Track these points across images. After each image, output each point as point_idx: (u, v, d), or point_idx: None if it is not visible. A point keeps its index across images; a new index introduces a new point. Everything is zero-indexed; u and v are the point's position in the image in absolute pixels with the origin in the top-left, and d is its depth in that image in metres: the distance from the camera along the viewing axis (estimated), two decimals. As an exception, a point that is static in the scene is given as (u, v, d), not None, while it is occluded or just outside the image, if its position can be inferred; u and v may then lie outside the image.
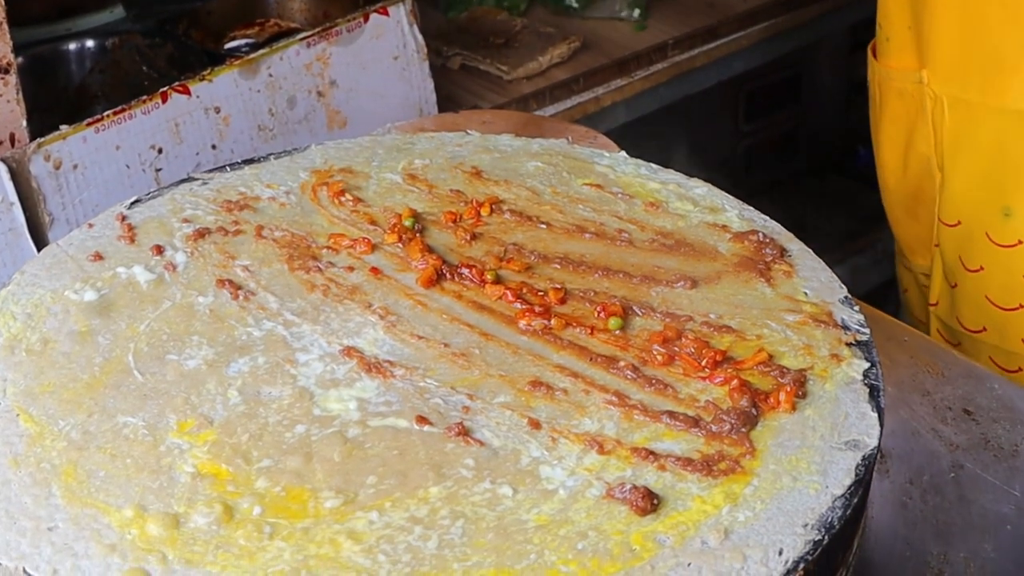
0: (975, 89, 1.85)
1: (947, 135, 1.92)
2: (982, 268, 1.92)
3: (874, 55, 2.07)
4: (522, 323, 1.33)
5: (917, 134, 1.98)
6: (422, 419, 1.20)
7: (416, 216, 1.50)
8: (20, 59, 1.79)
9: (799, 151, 3.33)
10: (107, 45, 2.21)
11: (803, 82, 3.28)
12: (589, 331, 1.32)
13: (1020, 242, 1.86)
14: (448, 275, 1.40)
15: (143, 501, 1.11)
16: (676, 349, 1.28)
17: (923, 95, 1.94)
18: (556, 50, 2.48)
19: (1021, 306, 1.90)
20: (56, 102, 2.13)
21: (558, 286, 1.38)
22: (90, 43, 2.22)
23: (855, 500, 1.12)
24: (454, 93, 2.39)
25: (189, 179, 1.58)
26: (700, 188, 1.57)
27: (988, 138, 1.86)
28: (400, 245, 1.44)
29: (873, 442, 1.18)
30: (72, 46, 2.21)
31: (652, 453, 1.16)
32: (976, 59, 1.84)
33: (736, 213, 1.52)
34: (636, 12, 2.65)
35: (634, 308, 1.34)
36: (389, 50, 2.11)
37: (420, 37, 2.14)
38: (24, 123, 1.74)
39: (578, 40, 2.54)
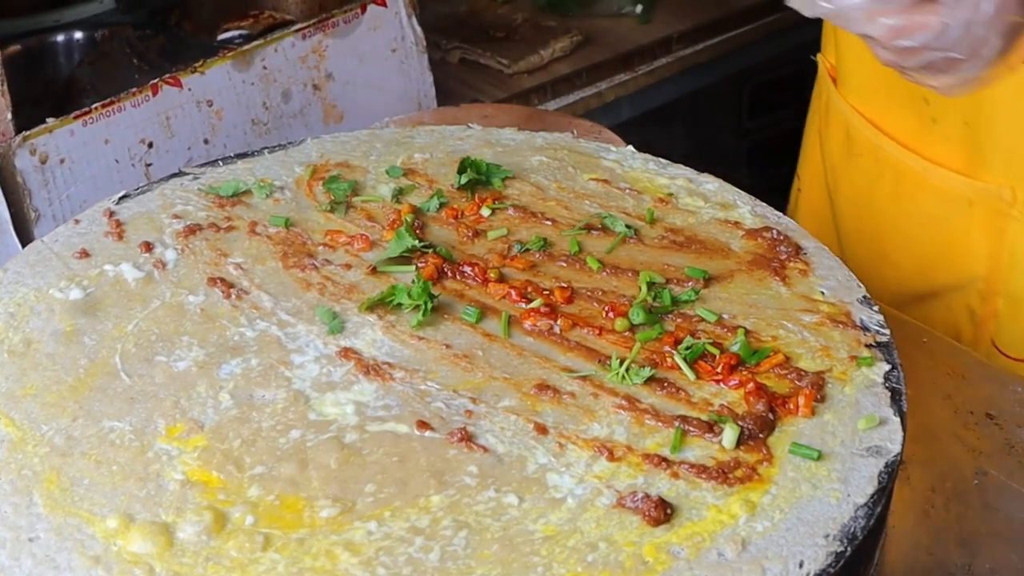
0: None
1: None
2: None
3: (836, 87, 1.76)
4: (527, 324, 1.27)
5: (967, 250, 1.66)
6: (423, 424, 1.14)
7: (416, 212, 1.45)
8: (6, 50, 1.74)
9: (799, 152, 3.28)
10: (97, 37, 2.17)
11: (809, 78, 3.24)
12: (597, 332, 1.26)
13: None
14: (450, 273, 1.35)
15: (129, 510, 1.06)
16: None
17: (996, 214, 1.60)
18: (558, 43, 2.44)
19: None
20: (44, 95, 2.08)
21: (564, 285, 1.33)
22: (79, 35, 2.17)
23: (878, 509, 1.08)
24: (453, 87, 2.34)
25: (179, 174, 1.53)
26: (711, 183, 1.52)
27: None
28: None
29: (896, 448, 1.13)
30: (60, 38, 2.16)
31: (665, 460, 1.11)
32: None
33: (748, 209, 1.47)
34: (638, 7, 2.61)
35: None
36: (387, 42, 2.06)
37: (419, 29, 2.09)
38: (9, 116, 1.69)
39: (580, 34, 2.49)
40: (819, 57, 1.88)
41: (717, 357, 1.22)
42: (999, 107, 1.55)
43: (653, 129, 2.65)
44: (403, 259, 1.37)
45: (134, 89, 1.79)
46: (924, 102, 1.63)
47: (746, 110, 3.10)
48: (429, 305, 1.28)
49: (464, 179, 1.48)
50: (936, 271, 1.72)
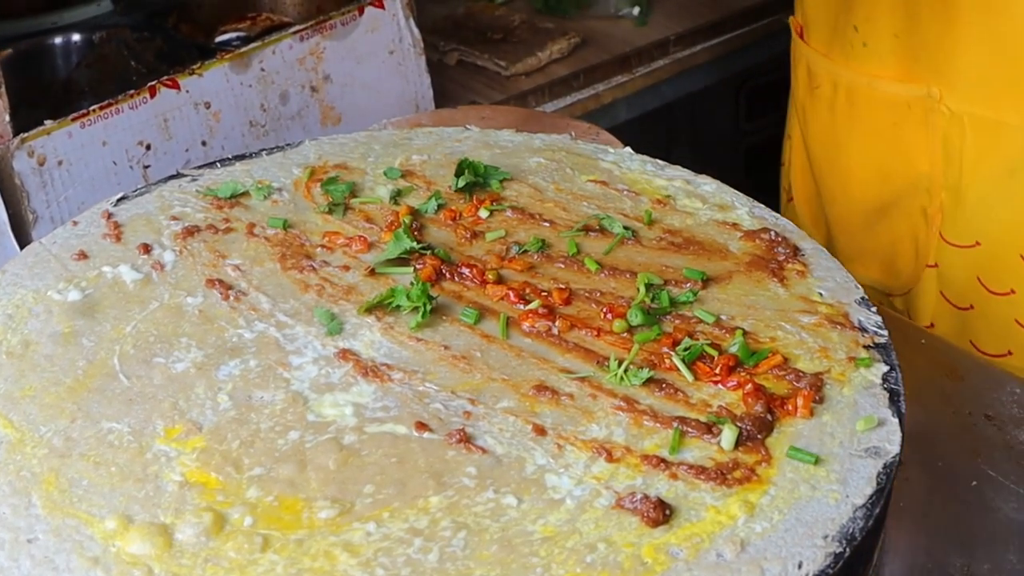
0: (1006, 108, 1.74)
1: (967, 155, 1.80)
2: (1013, 291, 1.82)
3: (802, 40, 1.97)
4: (525, 325, 1.27)
5: (912, 151, 1.87)
6: (421, 425, 1.14)
7: (414, 214, 1.45)
8: (4, 53, 1.74)
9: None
10: (94, 39, 2.16)
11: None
12: (595, 333, 1.26)
13: None
14: (448, 275, 1.35)
15: (128, 511, 1.06)
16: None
17: (929, 111, 1.80)
18: (555, 45, 2.44)
19: None
20: (42, 97, 2.07)
21: (562, 286, 1.33)
22: (76, 37, 2.17)
23: (877, 510, 1.07)
24: (451, 89, 2.34)
25: (178, 175, 1.53)
26: (709, 185, 1.52)
27: (1021, 158, 1.75)
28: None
29: (895, 449, 1.13)
30: (58, 40, 2.16)
31: (663, 461, 1.10)
32: (1007, 77, 1.73)
33: (746, 211, 1.47)
34: (636, 9, 2.60)
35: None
36: (384, 44, 2.06)
37: (416, 31, 2.09)
38: (7, 118, 1.69)
39: (578, 36, 2.49)
40: (791, 19, 2.08)
41: (715, 358, 1.21)
42: (922, 15, 1.78)
43: (650, 131, 2.65)
44: (401, 261, 1.37)
45: (132, 91, 1.79)
46: (854, 30, 1.89)
47: (743, 112, 3.10)
48: (428, 307, 1.27)
49: (462, 182, 1.48)
50: (892, 177, 1.90)
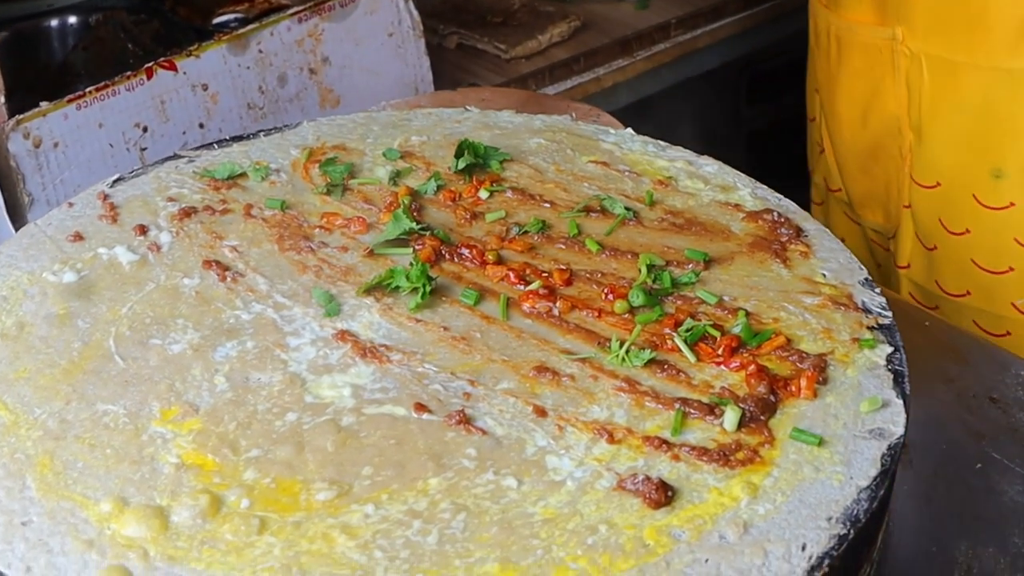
0: (958, 48, 1.81)
1: (926, 95, 1.88)
2: (968, 231, 1.89)
3: (823, 2, 2.05)
4: (526, 306, 1.26)
5: (884, 92, 1.95)
6: (421, 406, 1.13)
7: (413, 195, 1.43)
8: (0, 35, 1.73)
9: (802, 137, 3.26)
10: (91, 21, 2.14)
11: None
12: (596, 314, 1.25)
13: (1012, 204, 1.83)
14: (447, 255, 1.33)
15: (123, 494, 1.04)
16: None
17: (895, 53, 1.90)
18: (556, 29, 2.42)
19: (1011, 269, 1.87)
20: (38, 80, 2.06)
21: (563, 267, 1.31)
22: (73, 19, 2.15)
23: (881, 492, 1.06)
24: (450, 72, 2.33)
25: (174, 157, 1.51)
26: (711, 166, 1.51)
27: (974, 98, 1.82)
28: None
29: (899, 431, 1.12)
30: (54, 22, 2.14)
31: (665, 442, 1.09)
32: (960, 18, 1.79)
33: (749, 191, 1.46)
34: (637, -7, 2.60)
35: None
36: (384, 26, 2.04)
37: (416, 13, 2.07)
38: (2, 100, 1.67)
39: (578, 19, 2.47)
40: None
41: (718, 339, 1.20)
42: None
43: (651, 115, 2.63)
44: (400, 241, 1.35)
45: (128, 73, 1.78)
46: None
47: (744, 97, 3.08)
48: (427, 288, 1.26)
49: (462, 163, 1.47)
50: (871, 118, 2.00)
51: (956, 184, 1.89)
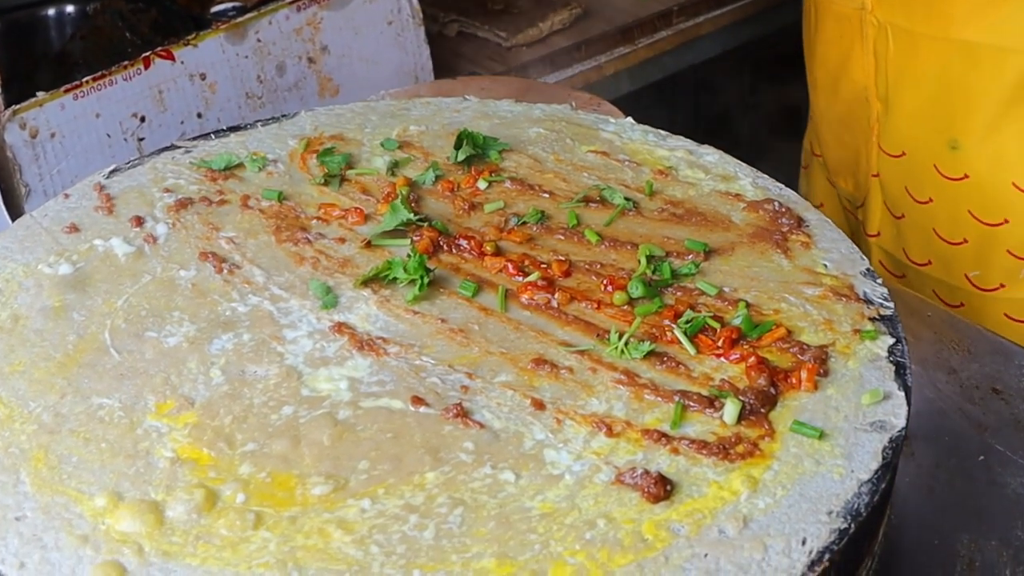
0: (919, 19, 1.81)
1: (891, 65, 1.88)
2: (931, 200, 1.90)
3: None
4: (524, 297, 1.25)
5: (853, 62, 1.96)
6: (418, 400, 1.12)
7: (411, 185, 1.42)
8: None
9: (806, 125, 3.25)
10: (88, 10, 2.14)
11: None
12: (595, 305, 1.24)
13: (966, 176, 1.83)
14: (445, 247, 1.32)
15: (118, 488, 1.04)
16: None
17: (864, 22, 1.90)
18: (557, 16, 2.41)
19: (965, 240, 1.87)
20: (35, 70, 2.05)
21: (562, 258, 1.30)
22: (70, 8, 2.14)
23: (882, 485, 1.05)
24: (451, 61, 2.32)
25: (171, 147, 1.50)
26: (711, 155, 1.49)
27: (932, 69, 1.83)
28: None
29: (900, 423, 1.11)
30: (51, 11, 2.13)
31: (664, 436, 1.08)
32: None
33: (750, 181, 1.44)
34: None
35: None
36: (383, 15, 2.03)
37: (415, 1, 2.06)
38: (-1, 90, 1.66)
39: (579, 6, 2.46)
40: None
41: (718, 331, 1.19)
42: None
43: (653, 103, 2.62)
44: (398, 232, 1.34)
45: (126, 62, 1.77)
46: None
47: (747, 85, 3.06)
48: (425, 279, 1.25)
49: (462, 155, 1.46)
50: (842, 87, 2.02)
51: (919, 154, 1.90)
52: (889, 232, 2.02)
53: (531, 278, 1.27)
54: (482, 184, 1.43)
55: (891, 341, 1.20)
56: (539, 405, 1.12)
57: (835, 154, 2.11)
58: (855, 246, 1.34)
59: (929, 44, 1.81)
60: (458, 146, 1.47)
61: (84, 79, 1.73)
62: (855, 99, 1.98)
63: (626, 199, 1.40)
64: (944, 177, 1.86)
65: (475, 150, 1.47)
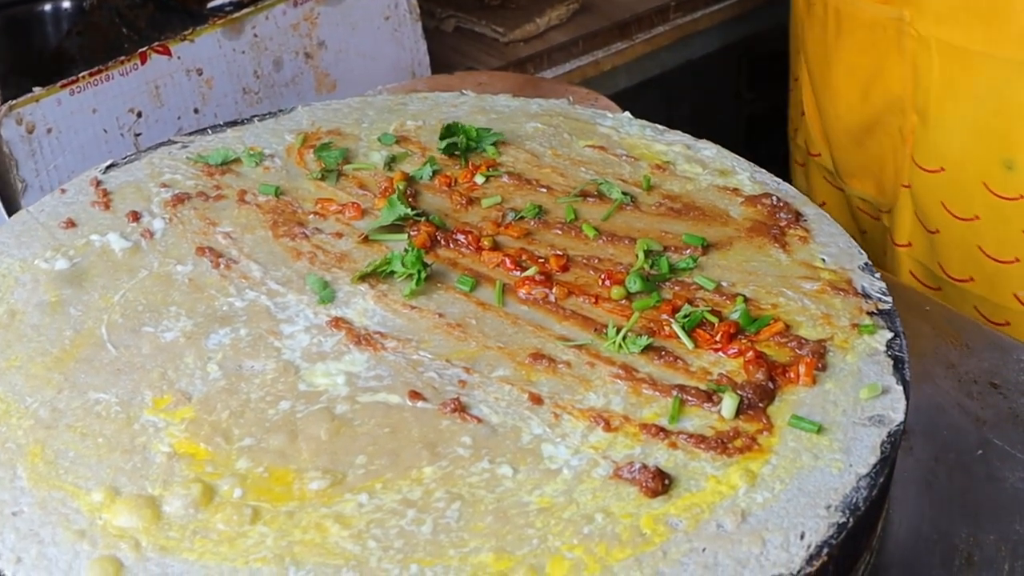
0: (976, 37, 1.79)
1: (936, 81, 1.86)
2: (977, 217, 1.88)
3: None
4: (522, 292, 1.25)
5: (888, 72, 1.93)
6: (415, 394, 1.12)
7: (408, 180, 1.42)
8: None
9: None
10: (85, 6, 2.13)
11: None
12: (593, 300, 1.24)
13: (1022, 196, 1.81)
14: (443, 241, 1.32)
15: (115, 483, 1.03)
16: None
17: (901, 34, 1.88)
18: (554, 11, 2.40)
19: (1016, 260, 1.86)
20: (32, 66, 2.04)
21: (560, 253, 1.30)
22: (67, 3, 2.13)
23: (881, 479, 1.05)
24: (448, 56, 2.31)
25: (168, 142, 1.50)
26: (709, 150, 1.49)
27: (988, 88, 1.80)
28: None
29: (899, 417, 1.11)
30: (47, 7, 2.12)
31: (662, 430, 1.08)
32: (977, 8, 1.77)
33: (747, 176, 1.44)
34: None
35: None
36: (380, 10, 2.02)
37: (413, -4, 2.06)
38: (-5, 85, 1.66)
39: (577, 1, 2.46)
40: None
41: (716, 325, 1.19)
42: None
43: (650, 99, 2.61)
44: (395, 227, 1.34)
45: (122, 58, 1.76)
46: None
47: (744, 80, 3.06)
48: (422, 274, 1.25)
49: (445, 143, 1.45)
50: (872, 97, 1.99)
51: (964, 171, 1.87)
52: (921, 244, 2.00)
53: (529, 273, 1.27)
54: (479, 179, 1.43)
55: (889, 335, 1.20)
56: (537, 400, 1.12)
57: (853, 158, 2.09)
58: (852, 241, 1.33)
59: (983, 61, 1.79)
60: (444, 136, 1.46)
61: (80, 74, 1.72)
62: (887, 108, 1.96)
63: (624, 194, 1.40)
64: (996, 196, 1.84)
65: (468, 142, 1.47)
